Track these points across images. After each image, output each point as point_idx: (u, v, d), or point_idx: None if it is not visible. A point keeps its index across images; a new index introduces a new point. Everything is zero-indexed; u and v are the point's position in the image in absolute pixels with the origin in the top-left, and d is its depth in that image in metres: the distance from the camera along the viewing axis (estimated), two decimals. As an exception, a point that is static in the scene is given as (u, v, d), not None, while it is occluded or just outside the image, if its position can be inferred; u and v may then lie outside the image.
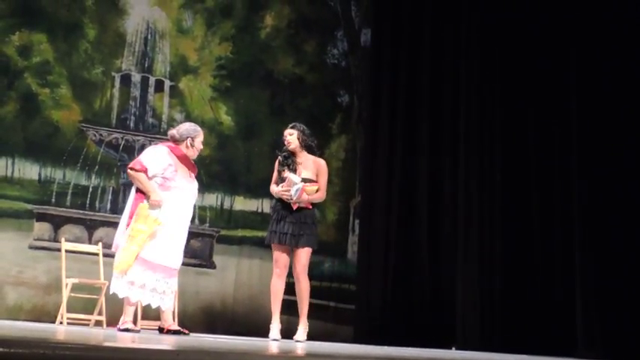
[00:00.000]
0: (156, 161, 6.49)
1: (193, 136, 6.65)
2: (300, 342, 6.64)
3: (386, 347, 7.47)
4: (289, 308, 7.01)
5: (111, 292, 6.51)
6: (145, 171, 6.43)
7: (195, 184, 6.69)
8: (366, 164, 10.05)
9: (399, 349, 7.31)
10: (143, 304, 6.57)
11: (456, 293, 8.85)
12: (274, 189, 6.89)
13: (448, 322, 8.83)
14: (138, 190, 6.47)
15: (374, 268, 9.49)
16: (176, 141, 6.65)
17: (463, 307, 8.75)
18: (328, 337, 8.72)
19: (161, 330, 6.63)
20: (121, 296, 6.43)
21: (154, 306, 6.51)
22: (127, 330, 6.32)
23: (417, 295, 9.19)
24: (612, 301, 7.94)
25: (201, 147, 6.75)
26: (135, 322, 7.81)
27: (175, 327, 6.60)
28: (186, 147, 6.62)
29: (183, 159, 6.60)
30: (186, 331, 6.62)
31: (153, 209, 6.37)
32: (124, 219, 6.53)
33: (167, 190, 6.45)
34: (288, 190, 6.74)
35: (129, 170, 6.51)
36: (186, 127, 6.73)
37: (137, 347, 3.87)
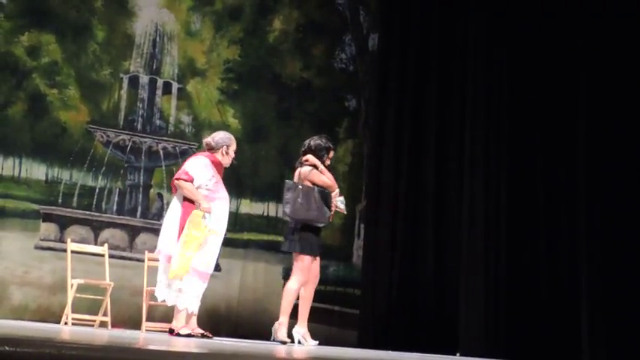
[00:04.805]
0: (201, 172, 6.67)
1: (229, 144, 6.85)
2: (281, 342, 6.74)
3: (390, 352, 7.47)
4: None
5: (159, 300, 6.67)
6: (192, 180, 6.61)
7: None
8: (373, 169, 10.04)
9: (404, 354, 7.31)
10: (189, 312, 6.63)
11: (461, 298, 8.83)
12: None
13: (453, 328, 8.82)
14: (185, 199, 6.63)
15: (379, 273, 9.48)
16: (211, 149, 6.82)
17: (468, 312, 8.73)
18: (332, 341, 8.71)
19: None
20: (169, 304, 6.61)
21: (196, 312, 6.68)
22: (189, 335, 6.46)
23: (421, 300, 9.17)
24: (617, 308, 7.91)
25: (234, 155, 6.91)
26: (140, 324, 7.86)
27: (199, 331, 6.70)
28: (222, 155, 6.82)
29: (219, 167, 6.80)
30: (210, 335, 6.72)
31: (203, 217, 6.54)
32: (170, 226, 6.65)
33: (212, 201, 6.63)
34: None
35: (176, 181, 6.66)
36: (222, 136, 6.92)
37: (142, 348, 3.87)
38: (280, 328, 6.78)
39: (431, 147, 9.57)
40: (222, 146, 6.82)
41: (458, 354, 8.51)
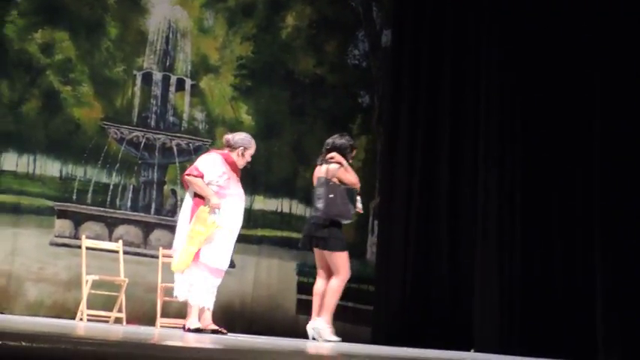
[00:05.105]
0: (211, 168, 6.71)
1: (247, 146, 6.89)
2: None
3: (404, 348, 7.46)
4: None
5: (174, 296, 6.71)
6: (202, 176, 6.66)
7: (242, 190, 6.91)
8: (386, 165, 10.02)
9: (418, 350, 7.30)
10: (201, 306, 6.68)
11: (475, 295, 8.81)
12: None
13: (467, 324, 8.80)
14: (196, 195, 6.67)
15: (393, 269, 9.47)
16: (229, 147, 6.84)
17: (482, 309, 8.71)
18: (346, 338, 8.71)
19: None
20: (181, 299, 6.62)
21: (210, 308, 6.71)
22: (198, 330, 6.50)
23: (435, 297, 9.16)
24: (633, 306, 7.88)
25: (250, 159, 6.95)
26: (154, 320, 7.88)
27: (213, 326, 6.72)
28: (238, 155, 6.84)
29: (233, 166, 6.81)
30: (224, 331, 6.74)
31: (212, 213, 6.57)
32: (182, 223, 6.71)
33: (222, 197, 6.66)
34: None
35: (186, 177, 6.74)
36: (242, 137, 6.96)
37: (157, 344, 3.88)
38: (325, 328, 6.90)
39: (445, 143, 9.54)
40: (240, 147, 6.85)
41: (473, 350, 8.50)
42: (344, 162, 7.09)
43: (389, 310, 9.34)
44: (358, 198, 7.13)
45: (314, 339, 6.88)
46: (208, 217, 6.56)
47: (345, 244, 7.08)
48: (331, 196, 6.90)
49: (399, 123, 9.86)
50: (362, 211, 7.34)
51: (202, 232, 6.53)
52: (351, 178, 7.07)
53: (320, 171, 7.13)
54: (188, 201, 6.74)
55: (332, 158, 7.10)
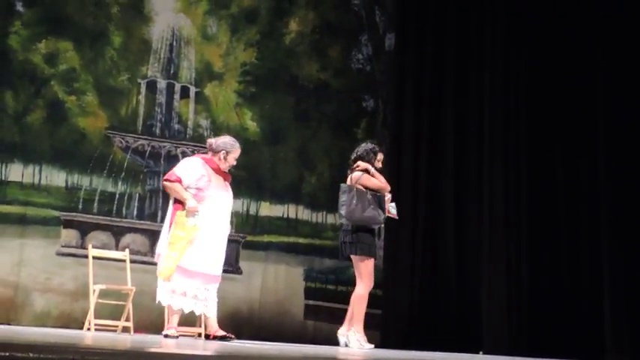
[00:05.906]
0: (189, 172, 6.68)
1: (229, 150, 6.82)
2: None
3: (413, 352, 7.45)
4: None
5: (157, 302, 6.70)
6: (179, 181, 6.63)
7: (229, 193, 6.87)
8: (392, 169, 10.00)
9: (427, 353, 7.29)
10: (186, 312, 6.68)
11: (483, 297, 8.81)
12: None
13: (475, 326, 8.79)
14: (175, 201, 6.66)
15: (400, 273, 9.46)
16: (212, 150, 6.83)
17: (490, 311, 8.71)
18: (355, 342, 8.70)
19: (207, 336, 6.83)
20: (164, 304, 6.63)
21: (197, 313, 6.73)
22: (166, 336, 6.51)
23: (443, 300, 9.16)
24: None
25: (234, 163, 6.90)
26: (162, 329, 7.86)
27: (221, 332, 6.71)
28: (219, 159, 6.79)
29: (217, 170, 6.78)
30: (232, 336, 6.72)
31: (190, 216, 6.56)
32: (165, 229, 6.72)
33: (201, 200, 6.62)
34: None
35: (164, 182, 6.74)
36: (225, 140, 6.91)
37: (164, 352, 3.87)
38: (360, 337, 6.94)
39: (449, 145, 9.54)
40: (222, 151, 6.80)
41: (481, 352, 8.49)
42: (370, 168, 7.18)
43: (398, 314, 9.34)
44: (392, 204, 7.18)
45: (346, 345, 6.92)
46: (187, 220, 6.54)
47: (373, 250, 7.06)
48: (354, 201, 6.94)
49: (403, 126, 9.87)
50: (397, 217, 7.32)
51: (183, 237, 6.51)
52: (377, 183, 7.13)
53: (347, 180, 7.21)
54: (171, 206, 6.74)
55: (358, 167, 7.19)
